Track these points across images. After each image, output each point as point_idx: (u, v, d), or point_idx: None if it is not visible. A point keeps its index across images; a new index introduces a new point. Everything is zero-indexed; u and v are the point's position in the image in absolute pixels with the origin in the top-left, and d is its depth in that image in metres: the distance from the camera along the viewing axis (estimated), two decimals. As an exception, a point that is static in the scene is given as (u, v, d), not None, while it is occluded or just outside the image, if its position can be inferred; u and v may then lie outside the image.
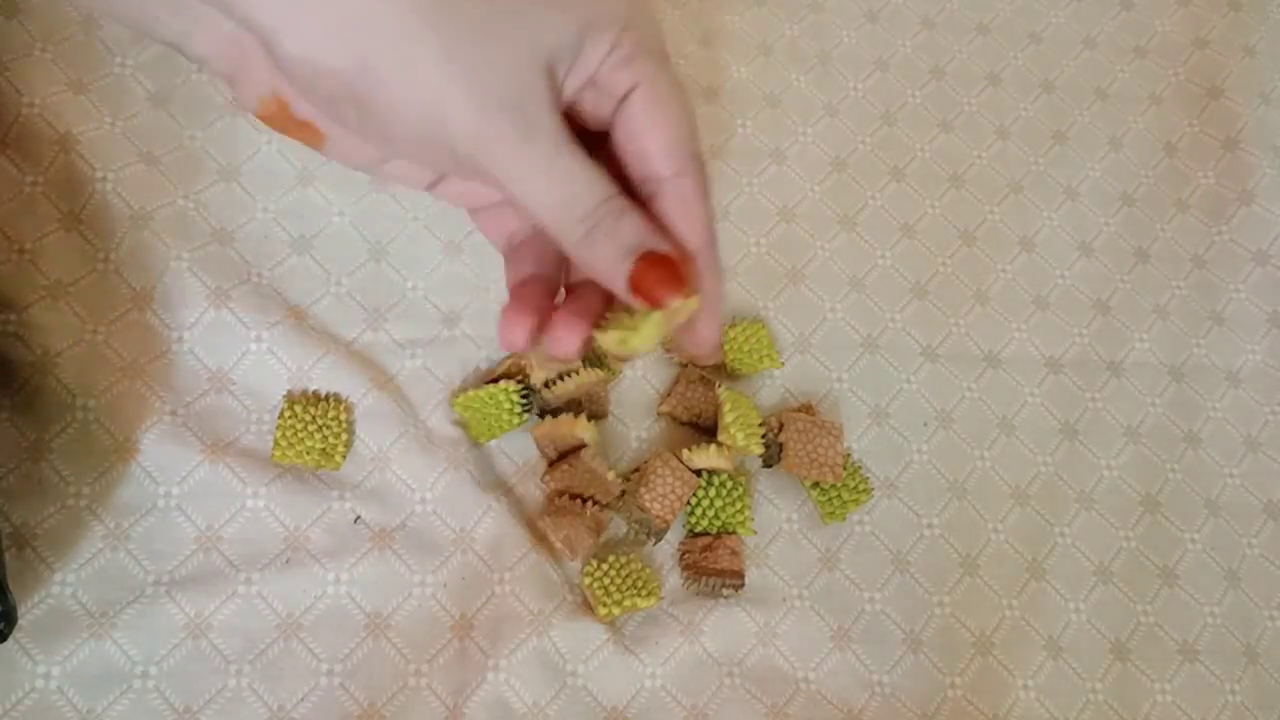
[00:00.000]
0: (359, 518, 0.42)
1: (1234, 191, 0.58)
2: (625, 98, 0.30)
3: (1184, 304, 0.55)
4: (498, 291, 0.47)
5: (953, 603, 0.47)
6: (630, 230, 0.29)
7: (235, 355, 0.43)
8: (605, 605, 0.42)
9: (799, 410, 0.48)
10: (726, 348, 0.48)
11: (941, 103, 0.57)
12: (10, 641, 0.38)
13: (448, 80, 0.26)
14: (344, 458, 0.43)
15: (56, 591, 0.39)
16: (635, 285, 0.29)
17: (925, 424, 0.50)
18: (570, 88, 0.29)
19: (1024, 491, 0.50)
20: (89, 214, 0.44)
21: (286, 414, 0.42)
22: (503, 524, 0.43)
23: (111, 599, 0.39)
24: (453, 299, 0.47)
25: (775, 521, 0.47)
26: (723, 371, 0.48)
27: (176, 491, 0.41)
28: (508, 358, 0.46)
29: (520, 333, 0.30)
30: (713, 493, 0.45)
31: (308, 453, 0.42)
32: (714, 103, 0.54)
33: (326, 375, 0.44)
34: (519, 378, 0.45)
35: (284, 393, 0.43)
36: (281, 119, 0.30)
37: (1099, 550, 0.49)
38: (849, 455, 0.48)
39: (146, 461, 0.41)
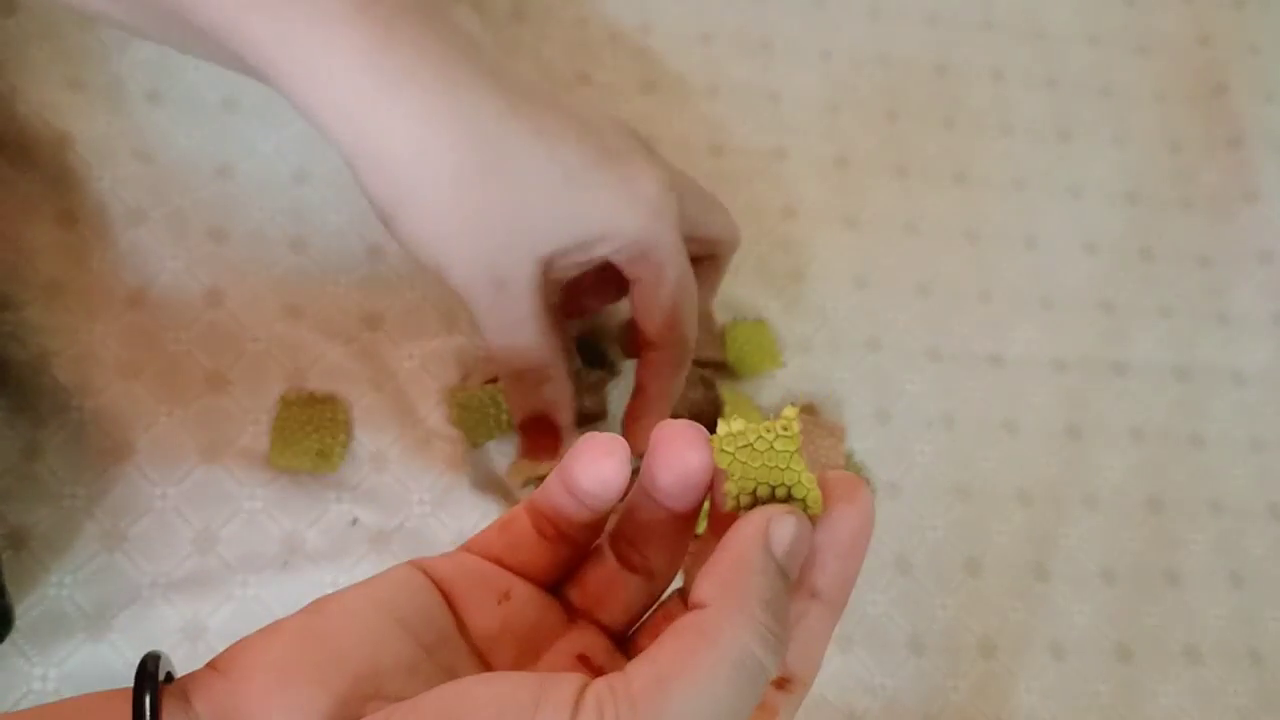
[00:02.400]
0: (356, 519, 0.42)
1: (1239, 190, 0.58)
2: (632, 282, 0.37)
3: (1189, 303, 0.55)
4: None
5: (956, 605, 0.46)
6: (542, 394, 0.38)
7: (232, 355, 0.43)
8: None
9: (801, 411, 0.48)
10: (728, 347, 0.47)
11: (945, 100, 0.57)
12: (7, 643, 0.37)
13: (454, 250, 0.34)
14: (341, 459, 0.42)
15: (53, 593, 0.39)
16: (519, 430, 0.41)
17: (929, 425, 0.49)
18: (566, 269, 0.36)
19: (1028, 493, 0.49)
20: (85, 213, 0.43)
21: (283, 415, 0.42)
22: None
23: (108, 600, 0.39)
24: (451, 299, 0.47)
25: (777, 523, 0.46)
26: (724, 371, 0.48)
27: (173, 492, 0.41)
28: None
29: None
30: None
31: (305, 454, 0.42)
32: (715, 100, 0.54)
33: (323, 376, 0.44)
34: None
35: (281, 393, 0.43)
36: None
37: (1103, 552, 0.49)
38: (851, 456, 0.48)
39: (143, 462, 0.41)
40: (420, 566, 0.25)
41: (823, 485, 0.24)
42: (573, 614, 0.27)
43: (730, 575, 0.21)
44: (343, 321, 0.45)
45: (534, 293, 0.35)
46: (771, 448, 0.23)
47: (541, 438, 0.40)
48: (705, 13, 0.56)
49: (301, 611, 0.24)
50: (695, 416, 0.46)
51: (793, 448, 0.23)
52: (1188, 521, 0.50)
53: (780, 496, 0.23)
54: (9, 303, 0.41)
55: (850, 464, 0.47)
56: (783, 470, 0.23)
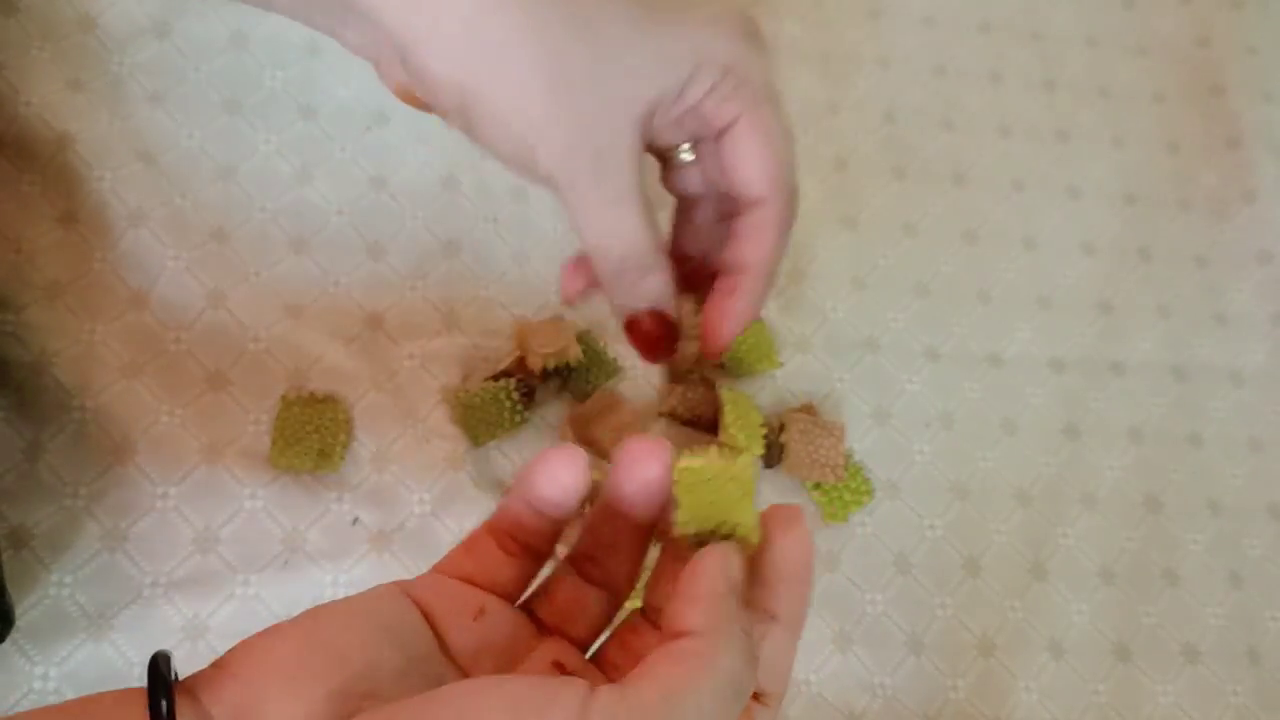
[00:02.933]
0: (357, 519, 0.42)
1: (1236, 191, 0.58)
2: (727, 128, 0.32)
3: (1186, 304, 0.55)
4: (497, 291, 0.47)
5: (955, 604, 0.46)
6: (648, 287, 0.33)
7: (233, 355, 0.43)
8: None
9: (800, 411, 0.48)
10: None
11: (943, 101, 0.57)
12: (8, 642, 0.37)
13: (544, 124, 0.30)
14: (342, 459, 0.42)
15: (54, 592, 0.39)
16: (627, 329, 0.34)
17: (927, 425, 0.50)
18: (666, 120, 0.32)
19: (1026, 492, 0.49)
20: (86, 213, 0.44)
21: (283, 415, 0.42)
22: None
23: (109, 600, 0.39)
24: (451, 299, 0.47)
25: (776, 522, 0.46)
26: (723, 371, 0.48)
27: (174, 492, 0.41)
28: (507, 356, 0.45)
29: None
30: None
31: (305, 453, 0.42)
32: (715, 102, 0.54)
33: (324, 376, 0.44)
34: (518, 376, 0.45)
35: (281, 393, 0.43)
36: (414, 101, 0.33)
37: (1101, 551, 0.49)
38: (851, 456, 0.48)
39: (144, 462, 0.41)
40: (400, 588, 0.27)
41: (764, 519, 0.26)
42: (542, 629, 0.28)
43: (712, 606, 0.24)
44: (343, 322, 0.45)
45: (635, 162, 0.31)
46: (725, 487, 0.26)
47: (656, 336, 0.34)
48: (705, 14, 0.56)
49: (299, 617, 0.25)
50: (695, 416, 0.46)
51: (743, 491, 0.26)
52: (1186, 521, 0.51)
53: (724, 532, 0.26)
54: (10, 303, 0.41)
55: (849, 463, 0.47)
56: (731, 508, 0.26)
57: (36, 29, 0.45)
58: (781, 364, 0.49)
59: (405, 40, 0.29)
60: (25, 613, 0.38)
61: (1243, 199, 0.58)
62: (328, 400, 0.43)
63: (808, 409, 0.48)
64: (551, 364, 0.44)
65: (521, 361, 0.45)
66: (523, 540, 0.28)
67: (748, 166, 0.33)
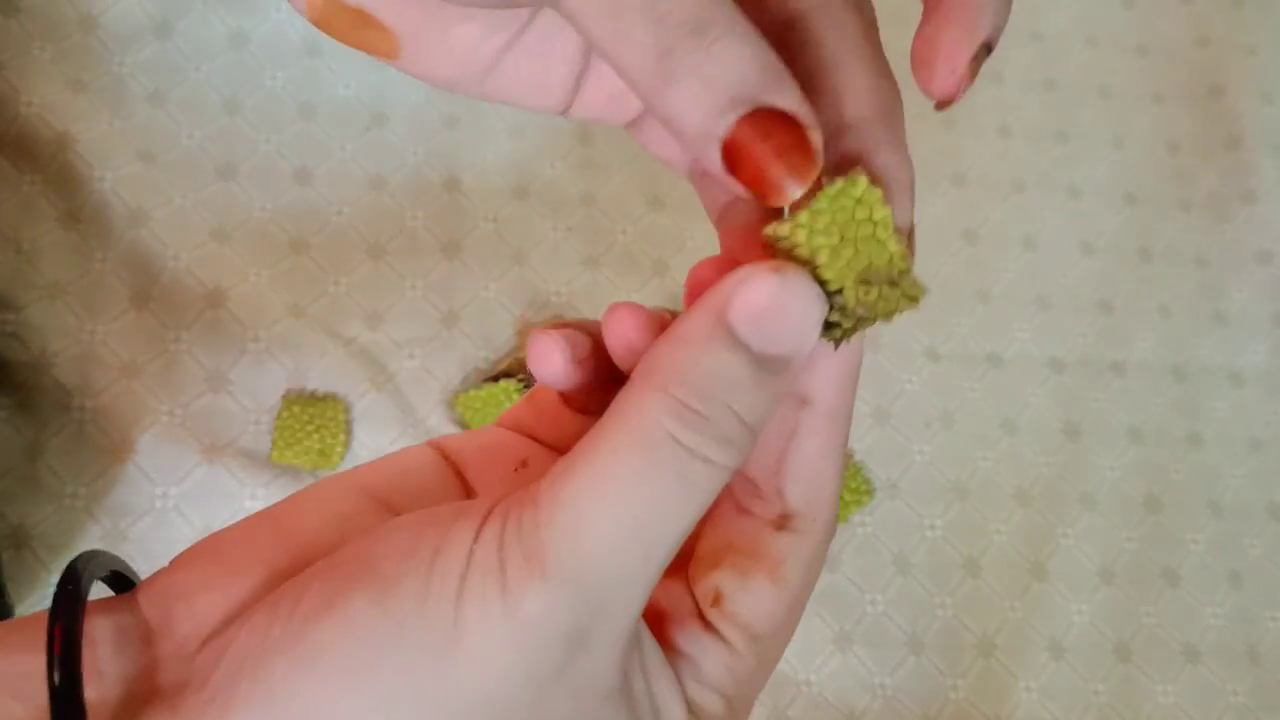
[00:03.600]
0: (358, 518, 0.42)
1: (1236, 191, 0.58)
2: None
3: (1186, 304, 0.55)
4: (497, 290, 0.47)
5: (955, 604, 0.46)
6: (731, 64, 0.18)
7: (233, 355, 0.43)
8: None
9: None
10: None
11: (943, 102, 0.57)
12: (7, 643, 0.37)
13: None
14: (342, 458, 0.42)
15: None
16: (733, 158, 0.18)
17: (927, 425, 0.50)
18: None
19: (1026, 492, 0.49)
20: (87, 213, 0.44)
21: (284, 414, 0.42)
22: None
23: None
24: (452, 298, 0.47)
25: (776, 522, 0.46)
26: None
27: (174, 492, 0.41)
28: (507, 356, 0.45)
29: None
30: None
31: (305, 453, 0.42)
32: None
33: (324, 375, 0.44)
34: (519, 376, 0.45)
35: (282, 393, 0.43)
36: (337, 15, 0.23)
37: (1101, 551, 0.49)
38: (851, 456, 0.48)
39: (144, 462, 0.41)
40: (435, 444, 0.24)
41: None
42: None
43: (662, 347, 0.18)
44: (343, 321, 0.45)
45: None
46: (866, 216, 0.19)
47: (774, 134, 0.18)
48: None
49: (274, 504, 0.22)
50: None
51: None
52: (1186, 521, 0.51)
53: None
54: (10, 303, 0.41)
55: (849, 463, 0.47)
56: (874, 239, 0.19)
57: (37, 29, 0.45)
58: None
59: None
60: (25, 612, 0.38)
61: (1242, 199, 0.58)
62: (327, 400, 0.43)
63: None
64: None
65: (521, 361, 0.45)
66: (589, 397, 0.23)
67: None
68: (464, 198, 0.49)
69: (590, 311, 0.47)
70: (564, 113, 0.25)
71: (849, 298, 0.19)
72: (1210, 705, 0.47)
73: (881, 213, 0.19)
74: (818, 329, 0.18)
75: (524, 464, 0.23)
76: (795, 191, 0.18)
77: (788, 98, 0.18)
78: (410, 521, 0.19)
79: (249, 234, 0.45)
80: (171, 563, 0.21)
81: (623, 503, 0.17)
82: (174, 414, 0.42)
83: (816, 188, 0.18)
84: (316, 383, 0.44)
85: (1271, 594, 0.50)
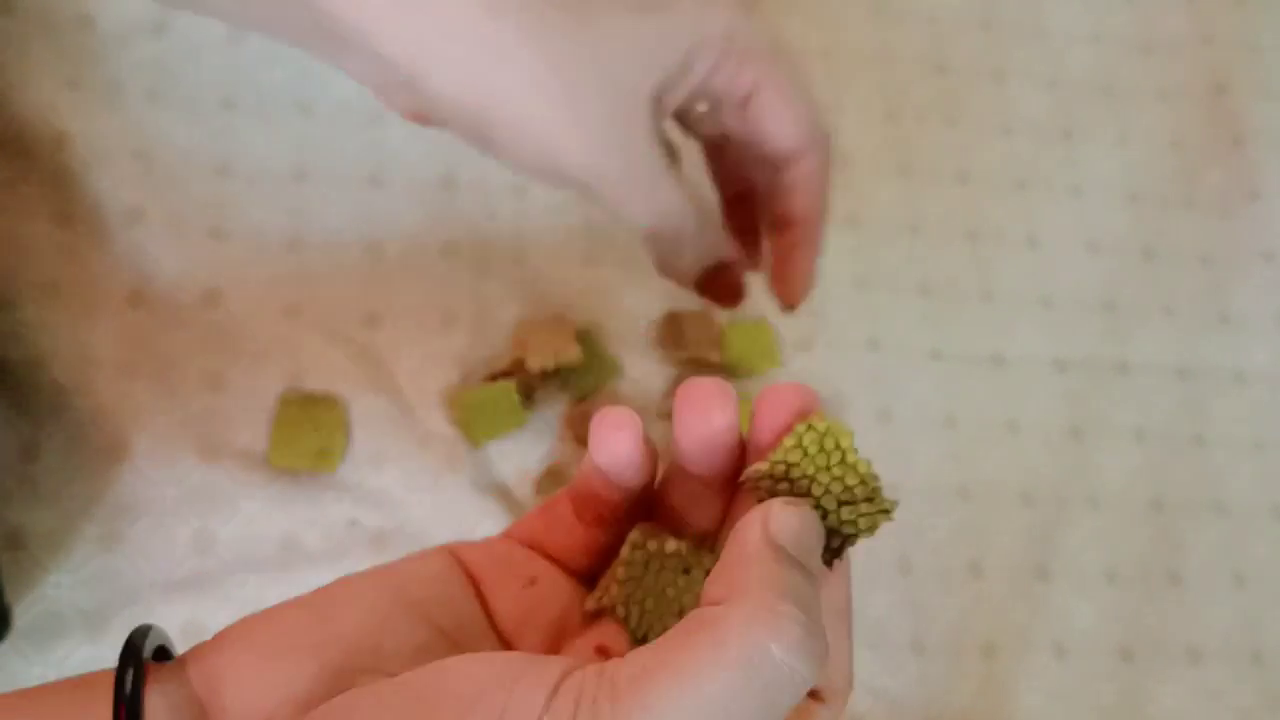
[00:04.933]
0: (355, 520, 0.42)
1: (1241, 189, 0.58)
2: (749, 96, 0.33)
3: (1191, 303, 0.55)
4: (496, 290, 0.47)
5: (958, 606, 0.46)
6: (709, 245, 0.35)
7: (231, 356, 0.43)
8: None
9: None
10: (728, 348, 0.47)
11: (946, 99, 0.57)
12: (5, 643, 0.37)
13: (563, 130, 0.30)
14: (341, 459, 0.42)
15: (51, 593, 0.39)
16: (701, 287, 0.36)
17: (930, 425, 0.49)
18: (677, 100, 0.32)
19: (1030, 493, 0.49)
20: (84, 212, 0.43)
21: (282, 415, 0.42)
22: (501, 527, 0.43)
23: (107, 601, 0.39)
24: (450, 298, 0.47)
25: (777, 523, 0.46)
26: (724, 372, 0.48)
27: (172, 493, 0.41)
28: (506, 356, 0.45)
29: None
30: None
31: (304, 454, 0.41)
32: (716, 100, 0.54)
33: (323, 376, 0.43)
34: (518, 377, 0.44)
35: (279, 393, 0.43)
36: (424, 120, 0.33)
37: (1106, 552, 0.49)
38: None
39: (141, 462, 0.41)
40: (452, 550, 0.25)
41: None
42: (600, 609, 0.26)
43: (744, 568, 0.19)
44: (342, 321, 0.45)
45: (657, 144, 0.32)
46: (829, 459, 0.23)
47: (726, 284, 0.36)
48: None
49: (308, 593, 0.24)
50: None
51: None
52: (1190, 522, 0.50)
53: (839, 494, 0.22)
54: (7, 302, 0.41)
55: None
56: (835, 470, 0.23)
57: (34, 28, 0.45)
58: (782, 364, 0.48)
59: (412, 70, 0.30)
60: (23, 614, 0.38)
61: (1247, 197, 0.58)
62: (326, 400, 0.43)
63: (809, 409, 0.48)
64: (551, 364, 0.44)
65: (521, 361, 0.44)
66: (595, 510, 0.25)
67: (779, 126, 0.34)
68: (464, 197, 0.48)
69: (590, 312, 0.47)
70: None
71: (834, 520, 0.22)
72: (1214, 707, 0.47)
73: (846, 439, 0.22)
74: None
75: (533, 581, 0.25)
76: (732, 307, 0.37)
77: (730, 255, 0.36)
78: (469, 669, 0.19)
79: (246, 233, 0.45)
80: (217, 638, 0.23)
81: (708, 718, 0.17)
82: (171, 414, 0.42)
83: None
84: (314, 383, 0.43)
85: (1276, 595, 0.50)
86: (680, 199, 0.33)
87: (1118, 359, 0.53)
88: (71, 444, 0.40)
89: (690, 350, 0.47)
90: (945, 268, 0.53)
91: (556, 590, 0.25)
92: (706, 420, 0.23)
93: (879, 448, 0.48)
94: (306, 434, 0.42)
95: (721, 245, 0.35)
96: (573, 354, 0.44)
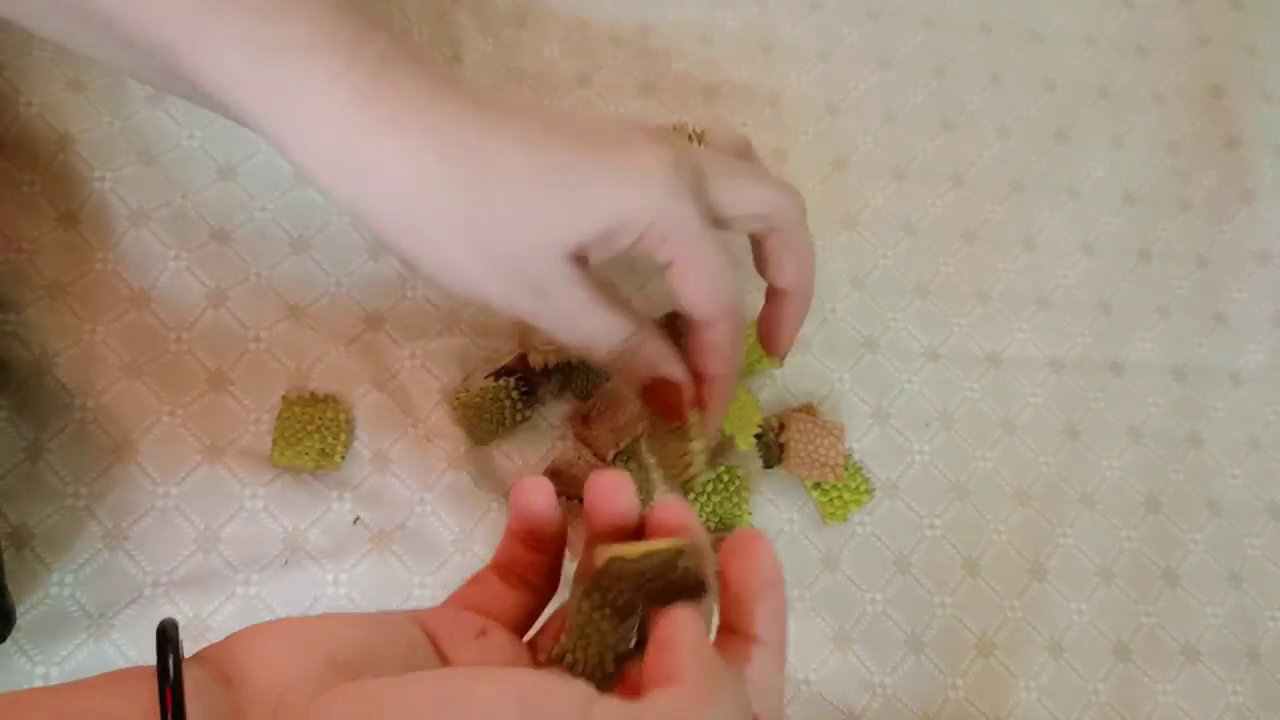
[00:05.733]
0: (358, 518, 0.42)
1: (1236, 191, 0.58)
2: (667, 265, 0.35)
3: (1186, 304, 0.55)
4: (498, 291, 0.47)
5: (954, 604, 0.47)
6: (644, 360, 0.37)
7: (234, 355, 0.43)
8: None
9: (800, 410, 0.48)
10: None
11: (943, 102, 0.57)
12: (9, 642, 0.37)
13: (481, 275, 0.33)
14: (343, 458, 0.42)
15: (55, 592, 0.39)
16: (645, 400, 0.38)
17: (927, 424, 0.50)
18: (600, 259, 0.35)
19: (1026, 492, 0.49)
20: (87, 213, 0.44)
21: (285, 414, 0.42)
22: (502, 525, 0.43)
23: (110, 600, 0.39)
24: (451, 299, 0.47)
25: (776, 522, 0.46)
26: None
27: (175, 492, 0.41)
28: (508, 354, 0.45)
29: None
30: (709, 488, 0.45)
31: (306, 453, 0.42)
32: (714, 103, 0.54)
33: (325, 375, 0.44)
34: (519, 374, 0.45)
35: (282, 393, 0.43)
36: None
37: (1101, 551, 0.49)
38: (850, 455, 0.48)
39: (145, 462, 0.41)
40: (409, 615, 0.28)
41: (722, 547, 0.28)
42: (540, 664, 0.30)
43: (697, 656, 0.25)
44: (344, 321, 0.45)
45: (579, 285, 0.34)
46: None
47: (665, 400, 0.38)
48: (705, 15, 0.56)
49: (304, 617, 0.27)
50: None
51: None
52: (1185, 521, 0.51)
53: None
54: (11, 303, 0.41)
55: (849, 463, 0.47)
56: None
57: (37, 29, 0.45)
58: (782, 364, 0.49)
59: (319, 182, 0.33)
60: (26, 612, 0.38)
61: (1242, 199, 0.58)
62: (328, 400, 0.43)
63: (808, 409, 0.48)
64: (552, 361, 0.44)
65: (522, 359, 0.45)
66: (519, 574, 0.30)
67: (692, 298, 0.36)
68: (464, 198, 0.49)
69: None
70: None
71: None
72: (1210, 705, 0.47)
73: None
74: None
75: (484, 632, 0.28)
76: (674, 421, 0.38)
77: (671, 372, 0.38)
78: (513, 682, 0.22)
79: (249, 234, 0.45)
80: (229, 638, 0.25)
81: None
82: (175, 414, 0.42)
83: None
84: (317, 383, 0.44)
85: (1271, 594, 0.50)
86: (608, 324, 0.35)
87: (1113, 359, 0.53)
88: (75, 443, 0.41)
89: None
90: (941, 268, 0.53)
91: (505, 640, 0.29)
92: (613, 503, 0.28)
93: (876, 447, 0.49)
94: (309, 433, 0.42)
95: (665, 363, 0.37)
96: (574, 353, 0.44)
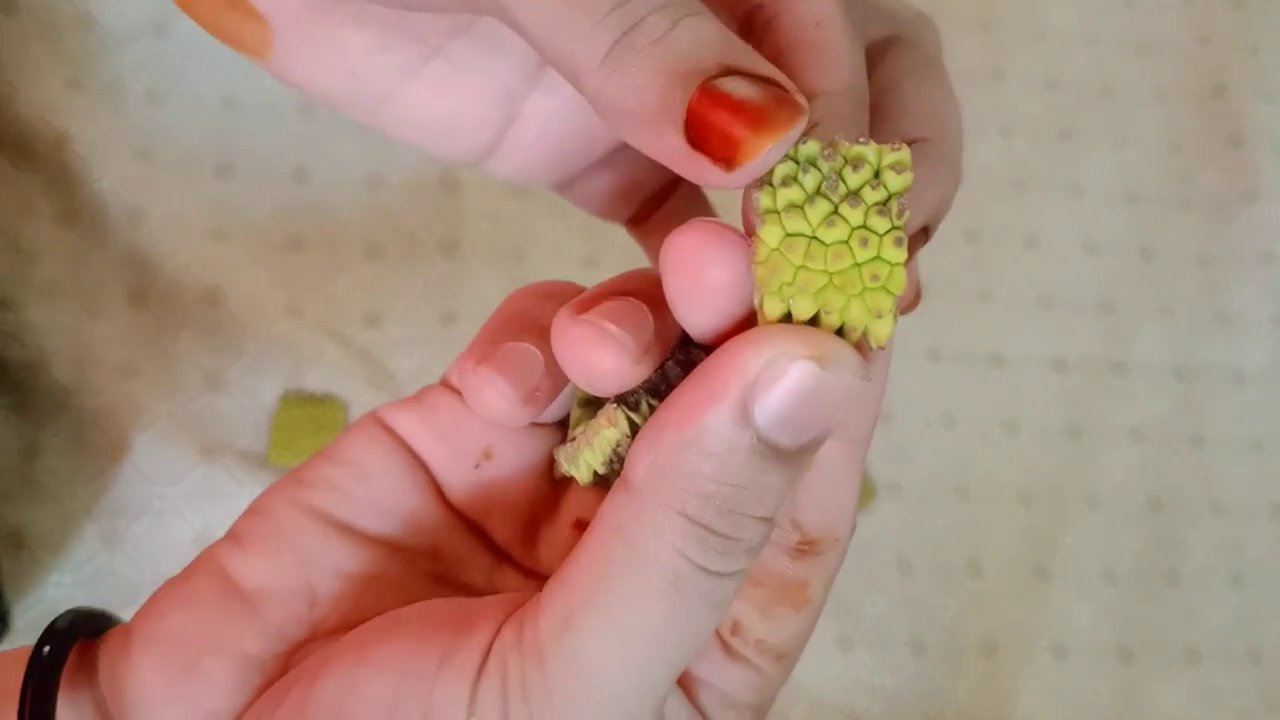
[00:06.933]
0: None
1: (1239, 190, 0.58)
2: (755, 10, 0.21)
3: (1189, 303, 0.55)
4: (496, 290, 0.47)
5: (957, 605, 0.46)
6: (693, 38, 0.16)
7: (231, 355, 0.43)
8: None
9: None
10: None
11: (944, 101, 0.57)
12: (5, 643, 0.37)
13: None
14: (342, 458, 0.42)
15: (51, 593, 0.39)
16: (697, 128, 0.15)
17: (929, 424, 0.49)
18: None
19: (1028, 493, 0.49)
20: (85, 213, 0.43)
21: (282, 415, 0.42)
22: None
23: (107, 601, 0.38)
24: (451, 298, 0.47)
25: (777, 523, 0.46)
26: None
27: (172, 493, 0.41)
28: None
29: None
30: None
31: (304, 454, 0.42)
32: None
33: (323, 376, 0.44)
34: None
35: (280, 393, 0.43)
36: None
37: (1104, 552, 0.49)
38: (851, 456, 0.48)
39: (142, 462, 0.41)
40: (386, 428, 0.21)
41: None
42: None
43: (670, 448, 0.15)
44: (342, 321, 0.45)
45: None
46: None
47: (745, 109, 0.17)
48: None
49: (224, 548, 0.20)
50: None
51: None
52: (1188, 521, 0.50)
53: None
54: (8, 303, 0.41)
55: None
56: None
57: (35, 28, 0.45)
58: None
59: None
60: (23, 613, 0.38)
61: (1245, 198, 0.58)
62: (327, 400, 0.43)
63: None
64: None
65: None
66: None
67: (791, 36, 0.20)
68: (463, 196, 0.49)
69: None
70: (477, 164, 0.22)
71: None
72: (1212, 706, 0.47)
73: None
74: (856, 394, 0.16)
75: (487, 456, 0.20)
76: (773, 151, 0.15)
77: (755, 62, 0.16)
78: (386, 664, 0.17)
79: (247, 233, 0.45)
80: (137, 629, 0.19)
81: (646, 654, 0.15)
82: (172, 414, 0.42)
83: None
84: (315, 383, 0.43)
85: (1274, 595, 0.50)
86: None
87: (1116, 359, 0.53)
88: (72, 444, 0.40)
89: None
90: (944, 268, 0.53)
91: (517, 460, 0.21)
92: (701, 279, 0.16)
93: (878, 448, 0.48)
94: (307, 434, 0.42)
95: (717, 36, 0.17)
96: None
